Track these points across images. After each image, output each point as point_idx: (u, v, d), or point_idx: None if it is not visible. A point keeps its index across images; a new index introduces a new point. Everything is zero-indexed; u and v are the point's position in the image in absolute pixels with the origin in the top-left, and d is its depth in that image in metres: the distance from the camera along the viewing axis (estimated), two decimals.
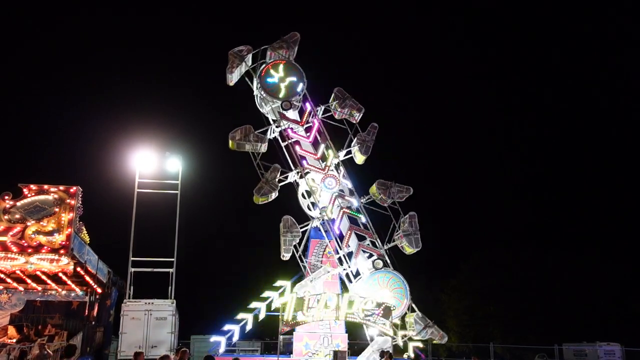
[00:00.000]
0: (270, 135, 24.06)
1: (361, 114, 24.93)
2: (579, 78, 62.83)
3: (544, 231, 47.96)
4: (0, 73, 60.01)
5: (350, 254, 23.73)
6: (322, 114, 24.92)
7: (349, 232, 23.67)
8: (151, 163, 22.88)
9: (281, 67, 24.40)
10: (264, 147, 23.48)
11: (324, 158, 24.30)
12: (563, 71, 65.74)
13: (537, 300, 38.14)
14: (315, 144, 24.54)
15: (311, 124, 24.61)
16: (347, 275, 23.64)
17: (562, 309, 37.40)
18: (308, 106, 24.66)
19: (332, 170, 24.14)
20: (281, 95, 24.13)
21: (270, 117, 24.39)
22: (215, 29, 72.49)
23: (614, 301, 36.93)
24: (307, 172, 23.90)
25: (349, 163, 24.91)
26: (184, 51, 71.32)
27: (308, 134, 24.44)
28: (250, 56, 24.25)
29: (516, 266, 40.25)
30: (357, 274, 23.66)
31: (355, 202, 24.08)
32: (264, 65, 24.33)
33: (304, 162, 24.02)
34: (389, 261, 23.50)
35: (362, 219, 23.93)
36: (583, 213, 47.97)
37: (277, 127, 24.20)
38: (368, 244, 23.84)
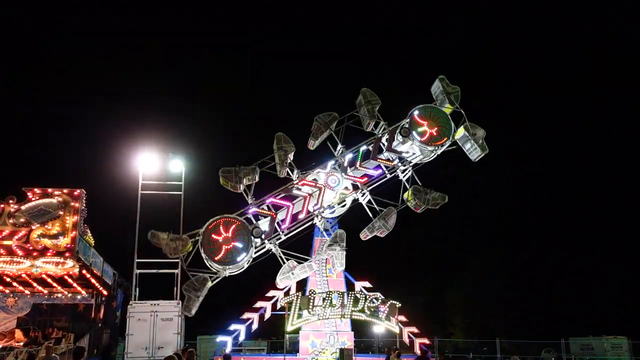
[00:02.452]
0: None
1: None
2: (579, 77, 62.66)
3: (550, 228, 47.95)
4: (0, 74, 60.12)
5: None
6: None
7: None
8: (154, 164, 22.87)
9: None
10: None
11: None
12: (563, 71, 65.62)
13: (543, 295, 38.17)
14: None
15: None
16: None
17: (568, 303, 37.41)
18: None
19: (335, 169, 23.83)
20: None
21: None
22: (216, 28, 72.54)
23: (620, 295, 36.90)
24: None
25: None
26: (186, 51, 71.36)
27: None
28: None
29: (522, 262, 40.29)
30: None
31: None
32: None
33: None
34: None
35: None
36: (586, 210, 47.96)
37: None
38: None
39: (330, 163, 23.66)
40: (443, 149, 24.08)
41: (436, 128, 23.78)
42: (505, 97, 67.57)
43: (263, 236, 22.00)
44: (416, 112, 24.01)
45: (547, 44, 66.84)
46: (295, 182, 22.96)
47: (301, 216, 22.86)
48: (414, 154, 24.32)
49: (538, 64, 68.20)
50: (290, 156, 22.84)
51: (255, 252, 21.98)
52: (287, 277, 21.83)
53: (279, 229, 22.44)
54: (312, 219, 23.14)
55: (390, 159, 24.16)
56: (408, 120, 23.99)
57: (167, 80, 70.37)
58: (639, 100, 60.34)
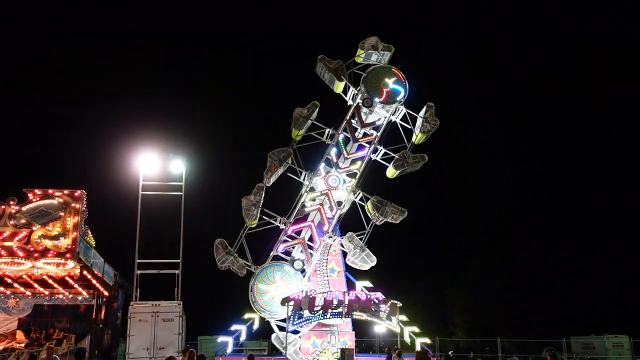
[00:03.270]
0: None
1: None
2: (579, 77, 62.60)
3: (550, 228, 47.91)
4: (1, 75, 60.15)
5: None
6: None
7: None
8: (155, 165, 22.89)
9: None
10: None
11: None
12: (563, 71, 65.56)
13: (544, 294, 38.16)
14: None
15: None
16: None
17: (569, 303, 37.40)
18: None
19: (340, 170, 24.53)
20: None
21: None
22: (216, 28, 72.53)
23: (621, 294, 36.90)
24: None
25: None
26: (187, 51, 71.35)
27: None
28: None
29: (523, 262, 40.28)
30: None
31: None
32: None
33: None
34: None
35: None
36: (586, 209, 47.94)
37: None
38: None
39: (322, 166, 24.21)
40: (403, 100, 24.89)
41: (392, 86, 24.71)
42: (506, 97, 67.63)
43: (305, 262, 23.34)
44: (367, 81, 24.78)
45: (547, 44, 66.86)
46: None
47: (325, 227, 23.89)
48: (385, 117, 25.09)
49: (538, 63, 68.22)
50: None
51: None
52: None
53: (313, 250, 23.72)
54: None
55: (367, 133, 24.83)
56: (364, 89, 24.62)
57: (168, 80, 70.40)
58: (639, 100, 60.35)
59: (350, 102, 25.06)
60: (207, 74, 70.06)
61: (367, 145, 24.78)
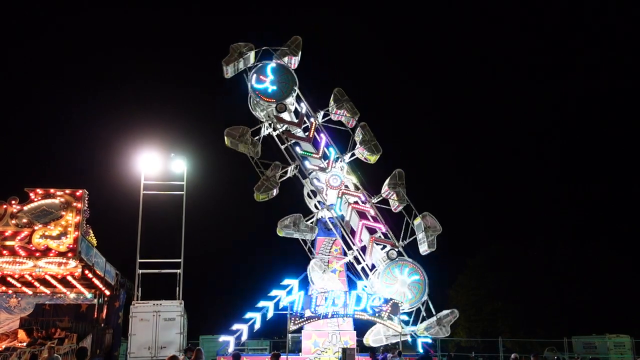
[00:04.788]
0: (264, 132, 23.96)
1: (356, 119, 24.29)
2: (578, 77, 62.57)
3: (551, 226, 47.86)
4: (3, 76, 60.23)
5: (364, 249, 23.67)
6: (322, 118, 24.66)
7: (360, 226, 23.57)
8: (156, 164, 22.92)
9: (269, 69, 23.86)
10: (257, 150, 23.21)
11: (325, 156, 24.14)
12: (561, 71, 65.52)
13: (545, 293, 38.13)
14: (316, 144, 24.34)
15: (308, 125, 24.38)
16: (362, 269, 23.59)
17: (570, 302, 37.38)
18: (304, 107, 24.41)
19: (334, 167, 24.05)
20: (273, 98, 23.61)
21: (265, 120, 24.02)
22: (219, 29, 72.56)
23: (622, 293, 36.84)
24: (311, 173, 23.84)
25: (357, 162, 24.76)
26: (189, 52, 71.48)
27: (307, 133, 24.25)
28: (251, 55, 23.97)
29: (524, 261, 40.23)
30: (373, 268, 23.59)
31: (362, 196, 23.99)
32: (252, 72, 23.86)
33: (306, 162, 23.95)
34: (403, 252, 23.45)
35: (371, 211, 23.81)
36: (590, 208, 47.87)
37: (273, 129, 24.05)
38: (380, 236, 23.71)
39: (352, 178, 24.10)
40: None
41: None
42: (505, 97, 67.58)
43: (281, 115, 23.50)
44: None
45: (549, 43, 66.80)
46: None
47: (298, 150, 23.83)
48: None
49: (537, 64, 68.16)
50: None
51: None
52: (287, 228, 22.56)
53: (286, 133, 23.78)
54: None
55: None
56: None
57: (169, 80, 70.47)
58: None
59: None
60: (207, 73, 70.12)
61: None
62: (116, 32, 68.92)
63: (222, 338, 23.90)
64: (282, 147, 23.87)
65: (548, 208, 51.93)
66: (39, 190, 18.09)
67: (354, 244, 23.60)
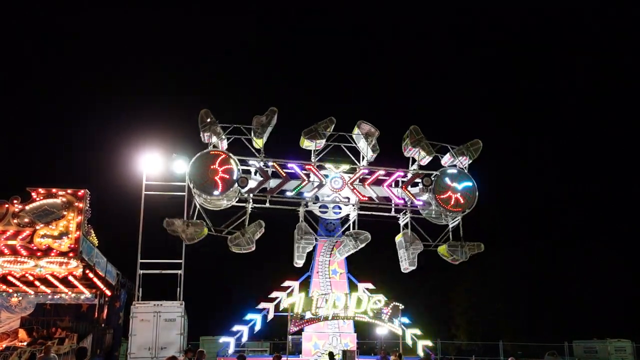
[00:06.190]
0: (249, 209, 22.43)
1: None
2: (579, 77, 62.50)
3: (552, 226, 47.77)
4: (5, 74, 60.35)
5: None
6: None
7: (388, 191, 23.43)
8: (158, 165, 22.94)
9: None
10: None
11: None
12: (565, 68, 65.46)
13: (546, 297, 38.08)
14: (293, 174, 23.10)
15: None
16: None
17: (571, 307, 37.31)
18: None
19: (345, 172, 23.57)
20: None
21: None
22: (221, 29, 72.68)
23: (624, 298, 36.79)
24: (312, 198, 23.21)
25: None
26: (191, 52, 71.57)
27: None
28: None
29: (525, 264, 40.20)
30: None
31: (364, 170, 23.45)
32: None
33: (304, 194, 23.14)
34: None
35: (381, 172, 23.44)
36: (592, 212, 47.77)
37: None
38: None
39: (344, 166, 23.42)
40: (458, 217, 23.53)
41: (460, 195, 23.17)
42: (506, 96, 67.53)
43: (246, 188, 21.86)
44: (447, 178, 23.26)
45: (553, 42, 66.78)
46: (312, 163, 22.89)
47: (289, 194, 22.69)
48: (427, 204, 23.55)
49: (541, 62, 68.11)
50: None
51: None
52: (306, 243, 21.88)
53: (265, 193, 22.37)
54: (299, 204, 22.80)
55: (401, 196, 23.46)
56: (437, 174, 23.32)
57: (171, 80, 70.57)
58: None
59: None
60: (209, 74, 70.17)
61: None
62: (118, 33, 69.00)
63: (223, 339, 23.92)
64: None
65: (550, 211, 51.84)
66: (41, 190, 18.10)
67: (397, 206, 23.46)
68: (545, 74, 65.82)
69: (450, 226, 23.77)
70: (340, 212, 24.00)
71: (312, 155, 22.99)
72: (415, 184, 23.75)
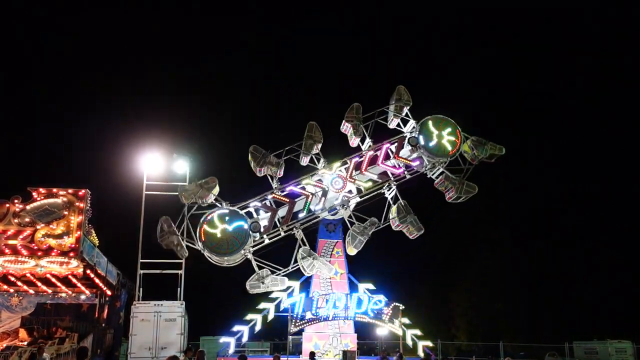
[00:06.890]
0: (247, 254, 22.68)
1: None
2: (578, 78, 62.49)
3: (553, 230, 47.71)
4: (5, 74, 60.30)
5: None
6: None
7: (384, 169, 24.19)
8: (159, 165, 22.96)
9: None
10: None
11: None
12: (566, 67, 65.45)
13: (546, 297, 38.11)
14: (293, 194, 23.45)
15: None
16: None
17: (572, 307, 37.32)
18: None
19: (340, 171, 23.80)
20: None
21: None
22: (221, 29, 72.64)
23: (624, 298, 36.80)
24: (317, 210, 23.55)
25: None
26: (191, 52, 71.46)
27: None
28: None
29: (525, 264, 40.24)
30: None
31: (356, 159, 23.99)
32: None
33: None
34: None
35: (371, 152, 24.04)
36: (592, 212, 47.74)
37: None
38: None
39: (336, 165, 23.75)
40: (449, 160, 24.47)
41: (446, 139, 24.15)
42: (506, 96, 67.47)
43: (262, 230, 22.16)
44: (430, 122, 24.30)
45: (553, 42, 66.73)
46: (301, 180, 23.15)
47: (301, 215, 22.96)
48: (421, 163, 24.36)
49: (544, 61, 68.09)
50: (318, 146, 23.43)
51: (253, 247, 22.34)
52: (256, 286, 21.96)
53: (279, 225, 22.63)
54: (313, 220, 23.26)
55: (397, 165, 24.20)
56: (418, 129, 24.15)
57: (171, 80, 70.51)
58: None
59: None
60: (210, 74, 70.15)
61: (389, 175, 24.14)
62: (118, 33, 68.89)
63: (223, 339, 23.94)
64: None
65: (550, 212, 51.79)
66: (42, 190, 18.10)
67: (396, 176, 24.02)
68: (545, 74, 65.63)
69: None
70: (337, 212, 24.04)
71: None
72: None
